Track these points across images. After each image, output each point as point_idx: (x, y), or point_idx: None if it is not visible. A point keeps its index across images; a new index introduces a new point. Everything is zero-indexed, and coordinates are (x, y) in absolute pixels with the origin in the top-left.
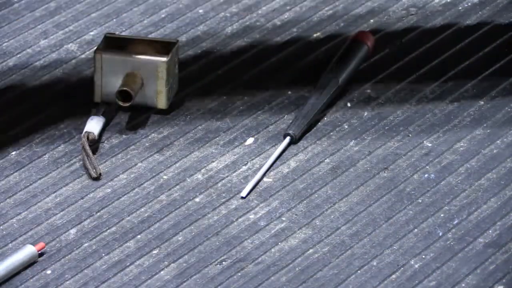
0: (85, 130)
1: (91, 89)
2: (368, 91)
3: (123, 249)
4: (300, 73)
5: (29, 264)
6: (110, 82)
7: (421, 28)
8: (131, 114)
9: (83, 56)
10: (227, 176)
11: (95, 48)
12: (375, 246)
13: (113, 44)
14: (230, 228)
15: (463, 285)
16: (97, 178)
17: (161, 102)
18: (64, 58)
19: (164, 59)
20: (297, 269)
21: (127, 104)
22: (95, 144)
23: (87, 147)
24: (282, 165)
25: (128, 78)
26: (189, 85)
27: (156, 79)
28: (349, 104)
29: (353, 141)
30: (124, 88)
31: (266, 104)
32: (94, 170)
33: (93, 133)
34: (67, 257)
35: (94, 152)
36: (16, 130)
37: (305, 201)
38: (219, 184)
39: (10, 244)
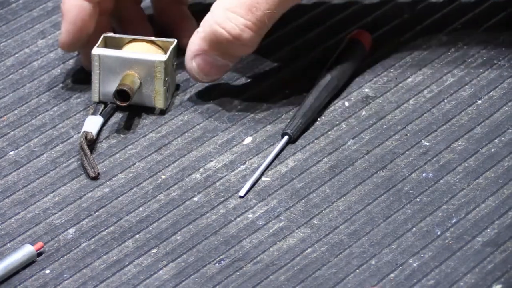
0: (83, 129)
1: (89, 89)
2: (366, 90)
3: (121, 249)
4: (298, 72)
5: (27, 263)
6: (108, 82)
7: (418, 27)
8: (129, 113)
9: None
10: (225, 176)
11: (93, 48)
12: (373, 245)
13: (111, 43)
14: (228, 227)
15: (461, 284)
16: (95, 178)
17: (159, 102)
18: (62, 57)
19: (162, 58)
20: (295, 268)
21: (125, 104)
22: (93, 143)
23: (85, 147)
24: (280, 164)
25: (126, 77)
26: (187, 85)
27: (154, 79)
28: (347, 103)
29: (351, 140)
30: (122, 88)
31: (264, 103)
32: (92, 170)
33: (91, 133)
34: (65, 256)
35: (92, 152)
36: (14, 130)
37: (303, 200)
38: (217, 184)
39: (8, 244)
